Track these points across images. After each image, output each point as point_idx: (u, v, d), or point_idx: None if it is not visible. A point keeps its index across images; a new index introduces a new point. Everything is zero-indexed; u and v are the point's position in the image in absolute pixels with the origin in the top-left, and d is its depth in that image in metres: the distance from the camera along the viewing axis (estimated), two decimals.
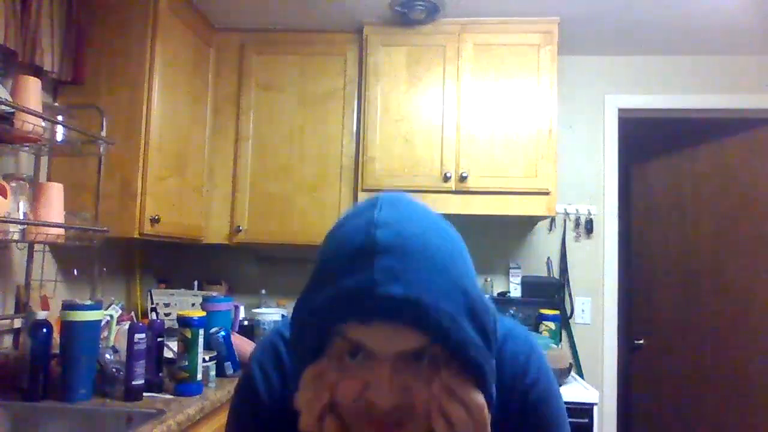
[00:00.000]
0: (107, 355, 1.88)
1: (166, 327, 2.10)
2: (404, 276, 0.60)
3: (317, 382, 0.66)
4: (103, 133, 2.15)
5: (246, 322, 2.73)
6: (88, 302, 1.86)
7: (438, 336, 0.61)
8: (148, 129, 2.27)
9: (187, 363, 1.90)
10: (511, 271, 2.99)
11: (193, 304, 2.72)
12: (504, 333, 0.80)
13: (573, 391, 2.40)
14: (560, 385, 1.09)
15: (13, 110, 1.73)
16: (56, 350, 1.82)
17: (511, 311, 2.86)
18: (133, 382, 1.80)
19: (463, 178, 2.62)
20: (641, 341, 3.51)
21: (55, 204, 1.90)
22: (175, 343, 1.98)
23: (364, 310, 0.61)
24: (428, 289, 0.61)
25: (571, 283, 3.01)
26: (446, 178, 2.63)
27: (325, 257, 0.67)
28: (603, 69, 3.10)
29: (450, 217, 0.71)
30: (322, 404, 0.65)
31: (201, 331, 1.94)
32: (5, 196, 1.67)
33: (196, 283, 2.97)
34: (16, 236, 1.80)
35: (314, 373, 0.67)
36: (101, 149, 2.14)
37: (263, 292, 2.99)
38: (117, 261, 2.79)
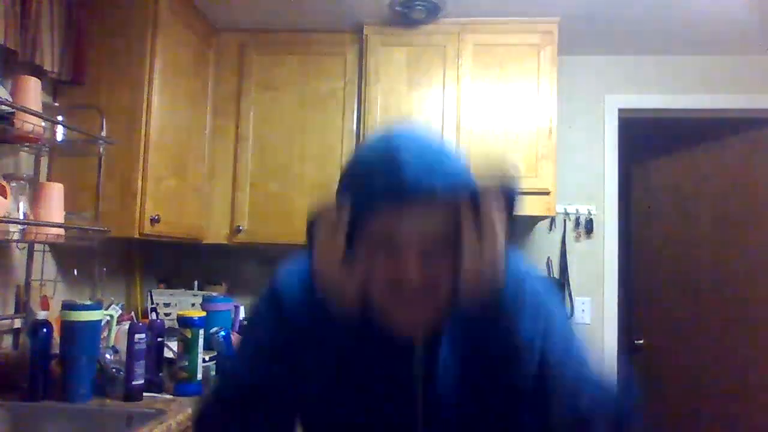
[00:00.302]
0: (107, 355, 1.88)
1: (166, 327, 2.10)
2: (424, 168, 0.74)
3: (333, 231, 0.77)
4: (103, 133, 2.14)
5: (246, 322, 2.72)
6: (88, 302, 1.87)
7: (456, 201, 0.75)
8: (148, 129, 2.27)
9: (187, 363, 1.90)
10: None
11: (193, 304, 2.72)
12: (524, 272, 0.88)
13: None
14: None
15: (13, 110, 1.73)
16: (56, 350, 1.82)
17: None
18: (133, 382, 1.80)
19: None
20: (641, 341, 3.51)
21: (55, 204, 1.90)
22: (175, 343, 1.98)
23: (392, 199, 0.74)
24: (444, 174, 0.76)
25: (571, 283, 3.01)
26: None
27: (351, 168, 0.81)
28: (603, 69, 3.10)
29: None
30: (342, 247, 0.76)
31: (201, 331, 1.94)
32: (5, 196, 1.67)
33: (196, 283, 2.96)
34: (16, 236, 1.80)
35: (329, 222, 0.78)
36: (101, 149, 2.14)
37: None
38: (117, 261, 2.78)
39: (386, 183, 0.74)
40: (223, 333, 2.19)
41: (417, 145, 0.78)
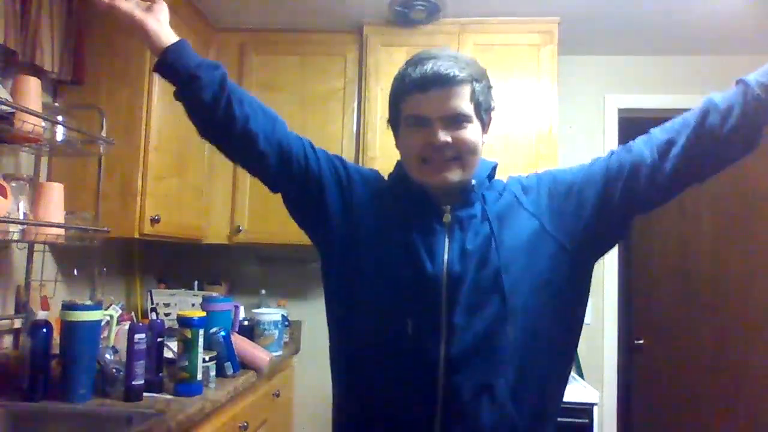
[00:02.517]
0: (107, 355, 1.88)
1: (166, 327, 2.09)
2: (448, 63, 1.08)
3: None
4: (103, 133, 2.14)
5: (246, 322, 2.72)
6: (88, 302, 1.86)
7: (469, 93, 1.09)
8: (148, 129, 2.27)
9: (187, 363, 1.89)
10: None
11: (193, 304, 2.72)
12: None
13: (573, 391, 2.40)
14: (576, 345, 1.22)
15: (13, 110, 1.73)
16: (56, 350, 1.82)
17: None
18: (133, 382, 1.79)
19: None
20: (641, 341, 3.51)
21: (55, 204, 1.90)
22: (175, 343, 1.98)
23: (423, 82, 1.08)
24: (461, 69, 1.09)
25: None
26: None
27: (394, 79, 1.18)
28: (603, 69, 3.10)
29: None
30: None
31: (201, 331, 1.94)
32: (5, 196, 1.67)
33: (196, 283, 2.96)
34: (16, 236, 1.80)
35: None
36: (101, 149, 2.14)
37: (263, 292, 2.98)
38: (117, 261, 2.78)
39: (418, 73, 1.08)
40: (223, 333, 2.19)
41: (435, 51, 1.12)
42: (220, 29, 2.85)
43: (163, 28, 1.21)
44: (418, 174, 1.12)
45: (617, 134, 3.06)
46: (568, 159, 2.99)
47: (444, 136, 1.07)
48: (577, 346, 1.20)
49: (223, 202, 2.82)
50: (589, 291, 1.18)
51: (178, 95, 1.19)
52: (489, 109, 1.14)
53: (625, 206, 1.10)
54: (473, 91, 1.09)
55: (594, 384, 2.71)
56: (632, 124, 3.20)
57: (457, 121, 1.08)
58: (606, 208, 1.09)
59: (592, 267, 1.17)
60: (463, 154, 1.09)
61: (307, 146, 1.25)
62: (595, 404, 2.39)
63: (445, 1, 2.56)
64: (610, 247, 1.20)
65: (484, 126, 1.14)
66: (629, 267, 3.66)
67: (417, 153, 1.10)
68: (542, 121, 2.65)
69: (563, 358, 1.16)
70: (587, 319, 3.00)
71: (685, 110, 1.14)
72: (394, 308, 1.08)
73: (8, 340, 2.05)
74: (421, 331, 1.06)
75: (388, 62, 2.72)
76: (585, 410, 2.35)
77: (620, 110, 3.08)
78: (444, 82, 1.06)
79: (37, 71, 2.01)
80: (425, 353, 1.05)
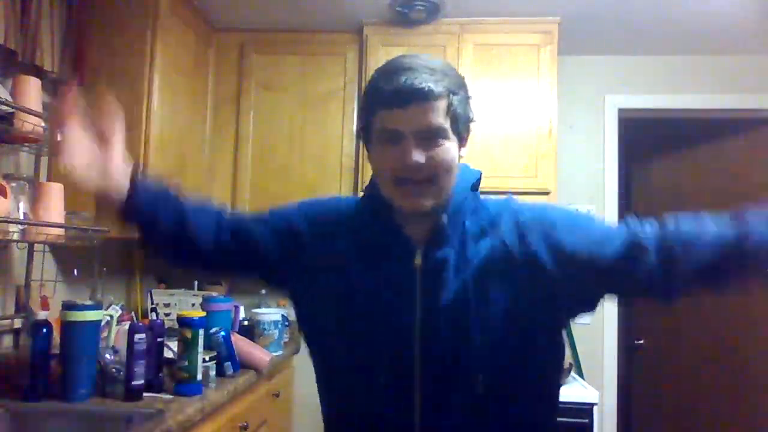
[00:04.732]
0: (107, 355, 1.88)
1: (166, 327, 2.09)
2: (423, 76, 0.98)
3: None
4: None
5: (246, 322, 2.72)
6: (88, 302, 1.86)
7: (445, 107, 1.00)
8: (148, 129, 2.27)
9: (187, 363, 1.89)
10: None
11: (193, 304, 2.72)
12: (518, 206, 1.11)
13: (573, 391, 2.40)
14: (560, 386, 1.17)
15: (13, 110, 1.73)
16: (56, 350, 1.81)
17: None
18: (133, 382, 1.79)
19: None
20: (641, 341, 3.51)
21: (55, 204, 1.90)
22: (175, 343, 1.98)
23: (396, 97, 0.98)
24: (436, 82, 0.98)
25: None
26: None
27: (367, 87, 1.06)
28: (603, 69, 3.10)
29: None
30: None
31: (201, 331, 1.94)
32: (5, 196, 1.67)
33: (196, 283, 2.96)
34: (16, 236, 1.80)
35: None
36: None
37: (263, 292, 2.98)
38: (117, 261, 2.78)
39: (391, 87, 0.99)
40: (223, 333, 2.19)
41: (410, 60, 1.02)
42: (220, 29, 2.85)
43: (120, 181, 1.11)
44: (393, 195, 1.03)
45: (617, 134, 3.06)
46: (568, 159, 3.00)
47: (418, 156, 0.98)
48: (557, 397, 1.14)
49: (223, 202, 2.81)
50: (562, 353, 1.13)
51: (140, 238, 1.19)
52: (468, 122, 1.07)
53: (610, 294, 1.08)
54: (450, 105, 1.01)
55: (594, 384, 2.71)
56: (632, 124, 3.21)
57: (432, 137, 0.99)
58: (591, 295, 1.06)
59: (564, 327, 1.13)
60: (438, 174, 1.00)
61: (242, 229, 1.16)
62: (595, 404, 2.39)
63: (445, 1, 2.56)
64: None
65: (462, 140, 1.06)
66: None
67: (390, 173, 1.02)
68: (542, 121, 2.65)
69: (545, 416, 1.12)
70: (587, 319, 3.01)
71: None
72: (365, 367, 1.03)
73: (8, 340, 2.05)
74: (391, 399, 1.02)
75: None
76: (585, 410, 2.35)
77: (620, 110, 3.08)
78: (419, 98, 0.98)
79: (37, 71, 2.01)
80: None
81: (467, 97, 1.06)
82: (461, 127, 1.04)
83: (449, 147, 1.02)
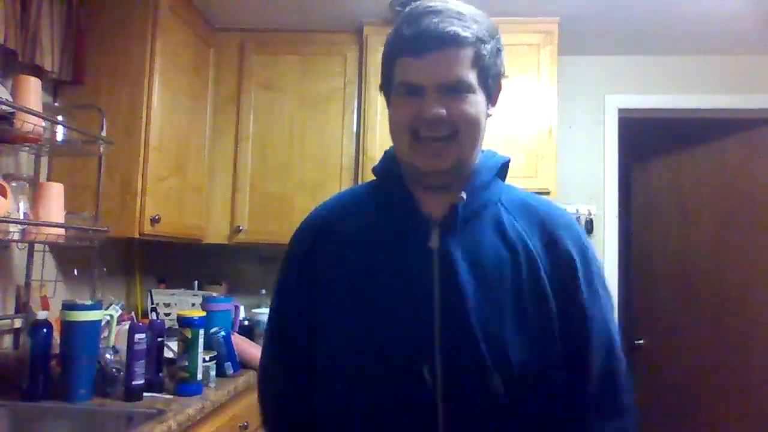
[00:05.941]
0: (107, 355, 1.88)
1: (166, 327, 2.10)
2: (449, 20, 0.89)
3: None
4: (103, 133, 2.14)
5: (246, 322, 2.73)
6: (88, 302, 1.86)
7: (472, 56, 0.90)
8: (148, 129, 2.27)
9: (187, 363, 1.90)
10: None
11: (193, 304, 2.72)
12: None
13: None
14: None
15: (13, 110, 1.73)
16: (56, 350, 1.82)
17: None
18: (133, 382, 1.79)
19: None
20: (641, 341, 3.51)
21: (55, 204, 1.90)
22: (175, 343, 1.98)
23: (417, 43, 0.89)
24: (464, 27, 0.89)
25: None
26: None
27: (388, 36, 0.96)
28: (603, 69, 3.10)
29: None
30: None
31: (201, 331, 1.94)
32: (5, 196, 1.67)
33: (196, 283, 2.96)
34: (16, 236, 1.80)
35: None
36: (101, 149, 2.14)
37: (263, 292, 2.98)
38: (117, 261, 2.78)
39: (411, 32, 0.90)
40: (223, 333, 2.19)
41: (437, 2, 0.92)
42: (220, 29, 2.85)
43: None
44: (409, 152, 0.93)
45: (617, 134, 3.06)
46: (568, 159, 3.00)
47: (438, 108, 0.88)
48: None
49: (223, 202, 2.82)
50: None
51: None
52: (498, 77, 0.96)
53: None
54: (478, 55, 0.90)
55: None
56: (632, 124, 3.21)
57: (456, 90, 0.90)
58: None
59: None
60: (460, 130, 0.91)
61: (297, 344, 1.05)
62: None
63: None
64: None
65: (491, 97, 0.95)
66: (629, 267, 3.66)
67: (408, 128, 0.92)
68: (542, 122, 2.65)
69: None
70: None
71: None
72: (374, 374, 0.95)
73: (8, 340, 2.05)
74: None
75: None
76: None
77: (620, 110, 3.08)
78: (442, 44, 0.88)
79: (37, 71, 2.01)
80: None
81: (498, 49, 0.95)
82: (490, 81, 0.94)
83: (475, 101, 0.91)
